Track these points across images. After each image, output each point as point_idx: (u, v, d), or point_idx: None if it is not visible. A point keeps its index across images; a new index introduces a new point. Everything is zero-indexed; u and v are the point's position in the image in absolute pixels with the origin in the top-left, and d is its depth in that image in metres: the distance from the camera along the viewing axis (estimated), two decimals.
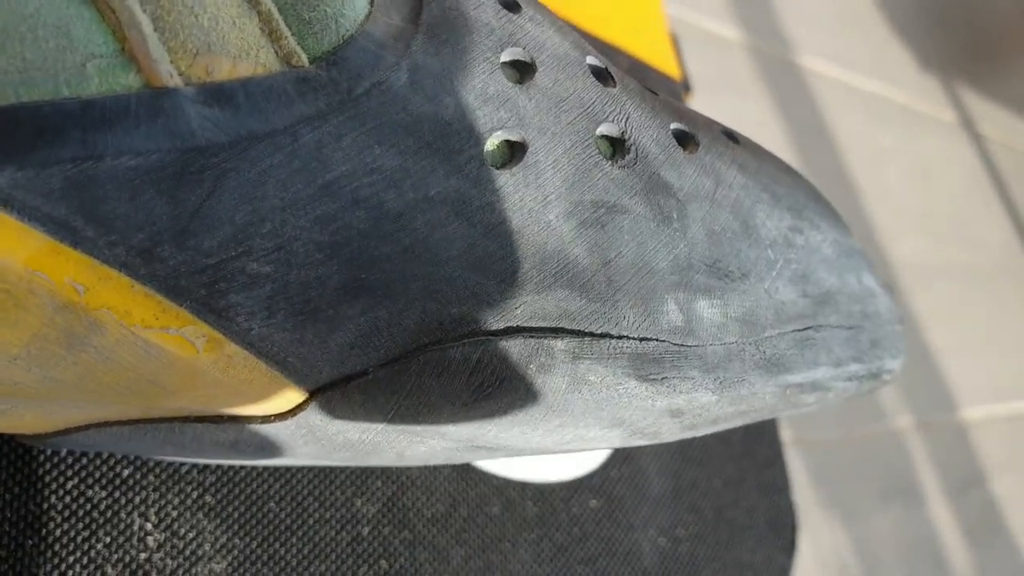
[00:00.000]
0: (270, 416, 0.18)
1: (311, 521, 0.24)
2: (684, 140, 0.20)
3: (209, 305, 0.15)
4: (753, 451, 0.37)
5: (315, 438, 0.18)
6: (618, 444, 0.20)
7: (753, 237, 0.19)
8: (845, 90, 0.78)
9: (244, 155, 0.14)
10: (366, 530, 0.24)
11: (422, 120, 0.16)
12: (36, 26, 0.13)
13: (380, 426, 0.18)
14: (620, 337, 0.18)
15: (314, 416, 0.17)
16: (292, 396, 0.17)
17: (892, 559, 0.54)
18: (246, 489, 0.23)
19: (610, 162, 0.18)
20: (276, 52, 0.15)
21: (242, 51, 0.15)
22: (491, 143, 0.17)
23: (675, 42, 0.48)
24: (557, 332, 0.17)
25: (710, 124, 0.21)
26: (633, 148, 0.18)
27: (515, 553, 0.27)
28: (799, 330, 0.20)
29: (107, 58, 0.14)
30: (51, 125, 0.13)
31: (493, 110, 0.16)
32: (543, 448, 0.19)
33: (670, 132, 0.19)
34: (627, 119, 0.18)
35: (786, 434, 0.47)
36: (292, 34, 0.15)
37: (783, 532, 0.36)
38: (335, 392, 0.17)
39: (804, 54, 0.74)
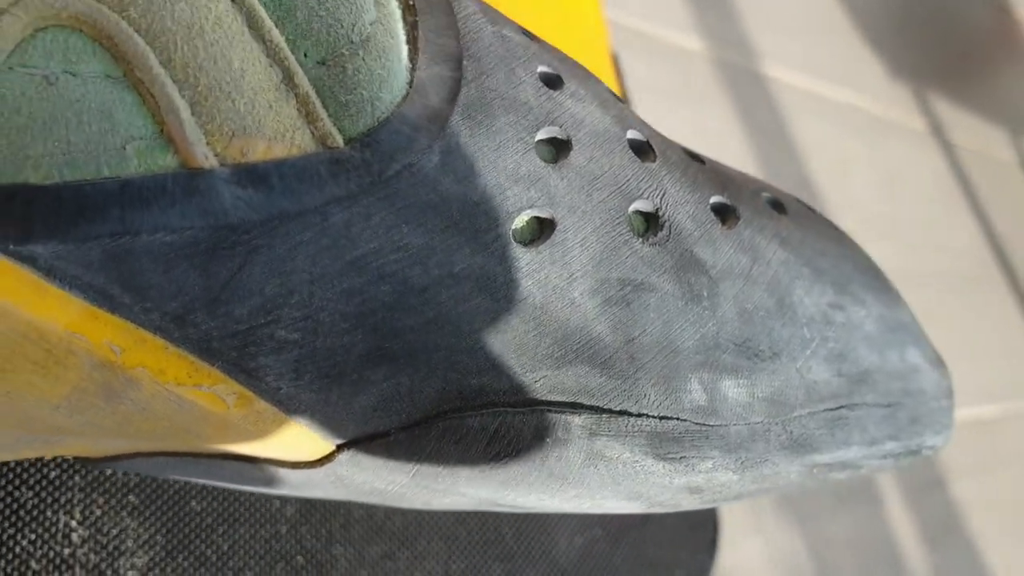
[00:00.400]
0: (300, 463, 0.19)
1: (231, 520, 0.24)
2: (725, 213, 0.20)
3: (240, 366, 0.16)
4: None
5: (343, 485, 0.19)
6: (638, 512, 0.20)
7: (788, 315, 0.19)
8: (812, 99, 0.75)
9: (275, 232, 0.15)
10: (284, 528, 0.25)
11: (450, 200, 0.16)
12: (81, 111, 0.14)
13: (404, 481, 0.18)
14: (639, 415, 0.18)
15: (341, 467, 0.18)
16: (320, 448, 0.18)
17: (847, 560, 0.53)
18: (168, 490, 0.24)
19: (641, 239, 0.18)
20: (312, 133, 0.16)
21: (277, 133, 0.15)
22: (519, 221, 0.17)
23: (616, 62, 0.47)
24: (575, 407, 0.18)
25: (756, 194, 0.21)
26: (667, 225, 0.18)
27: (431, 550, 0.27)
28: (831, 409, 0.20)
29: (146, 140, 0.15)
30: (91, 203, 0.14)
31: (523, 190, 0.17)
32: (562, 511, 0.20)
33: (709, 206, 0.19)
34: (663, 195, 0.18)
35: None
36: (329, 116, 0.16)
37: (704, 531, 0.35)
38: (360, 448, 0.18)
39: (770, 64, 0.72)
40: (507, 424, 0.17)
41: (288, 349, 0.16)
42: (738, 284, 0.19)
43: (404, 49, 0.17)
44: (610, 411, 0.18)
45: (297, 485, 0.19)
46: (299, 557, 0.25)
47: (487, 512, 0.29)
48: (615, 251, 0.18)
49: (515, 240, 0.17)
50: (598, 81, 0.20)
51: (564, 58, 0.19)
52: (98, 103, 0.14)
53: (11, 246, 0.14)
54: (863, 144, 0.80)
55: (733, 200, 0.20)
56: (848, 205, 0.75)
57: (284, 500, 0.25)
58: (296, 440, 0.18)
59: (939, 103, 0.93)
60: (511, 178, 0.17)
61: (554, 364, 0.17)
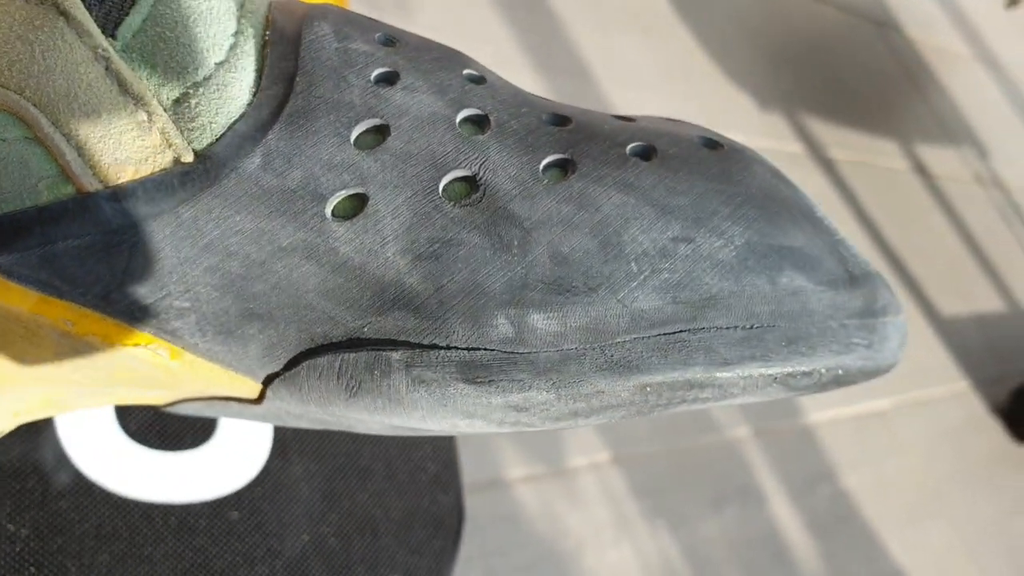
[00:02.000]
0: (254, 400, 0.24)
1: None
2: (564, 168, 0.22)
3: (163, 329, 0.22)
4: (422, 461, 0.36)
5: (293, 416, 0.25)
6: (496, 431, 0.23)
7: (613, 253, 0.21)
8: None
9: (144, 231, 0.21)
10: (18, 547, 0.27)
11: (271, 191, 0.21)
12: (8, 164, 0.21)
13: (317, 410, 0.23)
14: (448, 348, 0.21)
15: (275, 402, 0.24)
16: (254, 388, 0.24)
17: (727, 559, 0.48)
18: None
19: (452, 203, 0.22)
20: (173, 155, 0.21)
21: (142, 159, 0.21)
22: (335, 200, 0.21)
23: None
24: (395, 344, 0.22)
25: (616, 146, 0.23)
26: (483, 187, 0.22)
27: (157, 554, 0.29)
28: (667, 334, 0.21)
29: (52, 178, 0.21)
30: (21, 226, 0.21)
31: (336, 175, 0.21)
32: (432, 432, 0.24)
33: (539, 166, 0.22)
34: (484, 162, 0.22)
35: (602, 455, 0.43)
36: (184, 139, 0.21)
37: (446, 523, 0.35)
38: (274, 386, 0.23)
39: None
40: (346, 362, 0.22)
41: (187, 315, 0.22)
42: (555, 231, 0.22)
43: (250, 78, 0.22)
44: (422, 346, 0.22)
45: (271, 417, 0.25)
46: (31, 568, 0.28)
47: (212, 523, 0.31)
48: (426, 216, 0.21)
49: (335, 215, 0.21)
50: (455, 68, 0.23)
51: (419, 55, 0.23)
52: (18, 157, 0.21)
53: None
54: None
55: (577, 156, 0.22)
56: None
57: (18, 524, 0.28)
58: (232, 381, 0.23)
59: (816, 126, 0.92)
60: (326, 167, 0.21)
61: (376, 312, 0.22)
